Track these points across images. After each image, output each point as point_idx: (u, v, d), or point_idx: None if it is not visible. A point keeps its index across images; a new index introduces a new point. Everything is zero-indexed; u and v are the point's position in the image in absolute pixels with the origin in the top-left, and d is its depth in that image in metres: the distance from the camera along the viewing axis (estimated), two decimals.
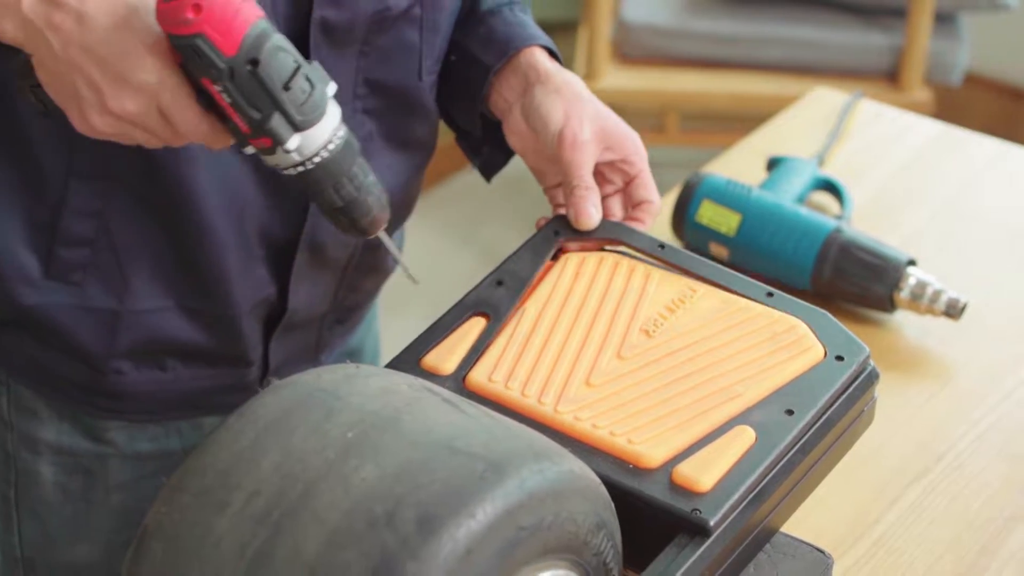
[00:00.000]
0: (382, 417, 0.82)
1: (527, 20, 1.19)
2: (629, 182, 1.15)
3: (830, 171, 1.58)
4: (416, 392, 0.86)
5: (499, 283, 1.07)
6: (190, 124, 0.92)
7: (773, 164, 1.54)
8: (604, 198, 1.14)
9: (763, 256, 1.40)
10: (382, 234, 1.00)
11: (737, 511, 0.90)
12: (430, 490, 0.77)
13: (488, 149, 1.23)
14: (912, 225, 1.53)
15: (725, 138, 2.48)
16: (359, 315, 1.28)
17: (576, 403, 0.96)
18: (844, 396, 0.98)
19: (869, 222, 1.50)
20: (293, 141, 0.92)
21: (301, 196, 1.09)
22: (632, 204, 1.15)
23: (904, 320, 1.39)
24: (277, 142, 0.91)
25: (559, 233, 1.11)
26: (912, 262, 1.37)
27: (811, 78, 2.59)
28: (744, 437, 0.93)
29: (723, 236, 1.42)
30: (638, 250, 1.11)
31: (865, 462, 1.21)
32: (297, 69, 0.90)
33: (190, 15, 0.86)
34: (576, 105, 1.12)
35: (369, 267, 1.21)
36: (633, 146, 1.14)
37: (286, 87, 0.90)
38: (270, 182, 1.10)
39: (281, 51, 0.89)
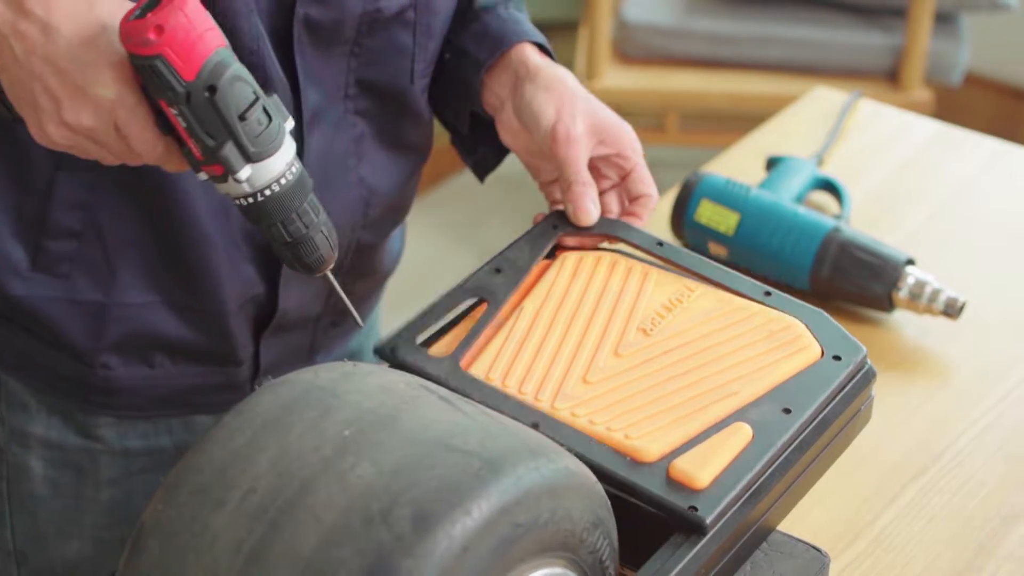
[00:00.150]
0: (379, 415, 0.82)
1: (521, 17, 1.19)
2: (625, 176, 1.14)
3: (829, 171, 1.58)
4: (413, 390, 0.86)
5: (497, 270, 1.07)
6: (146, 144, 0.92)
7: (772, 163, 1.54)
8: (601, 193, 1.14)
9: (762, 255, 1.40)
10: (328, 274, 1.00)
11: (734, 509, 0.90)
12: (426, 487, 0.77)
13: (482, 148, 1.23)
14: (911, 225, 1.53)
15: (725, 138, 2.48)
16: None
17: (573, 400, 0.96)
18: (841, 395, 0.98)
19: (868, 222, 1.50)
20: (244, 172, 0.92)
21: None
22: (629, 198, 1.15)
23: (903, 319, 1.39)
24: (229, 171, 0.92)
25: (558, 227, 1.11)
26: (911, 261, 1.37)
27: (811, 78, 2.59)
28: (741, 434, 0.93)
29: (722, 235, 1.42)
30: (636, 247, 1.11)
31: (863, 461, 1.21)
32: (255, 101, 0.91)
33: (152, 36, 0.87)
34: (567, 100, 1.12)
35: (361, 271, 1.21)
36: (628, 139, 1.13)
37: (242, 117, 0.90)
38: None
39: (240, 81, 0.90)
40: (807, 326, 1.02)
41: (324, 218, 0.97)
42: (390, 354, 1.00)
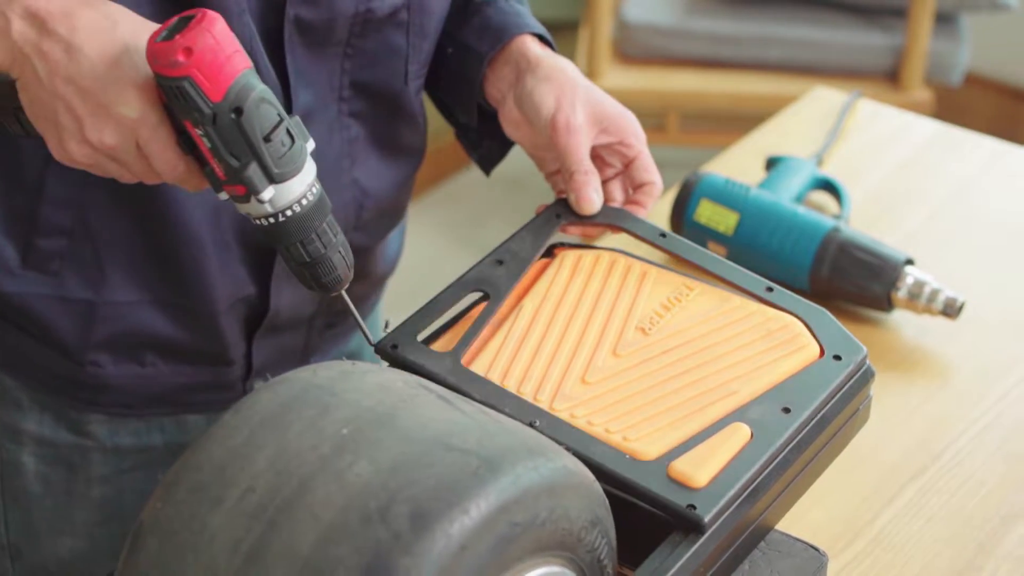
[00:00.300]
0: (377, 414, 0.82)
1: (522, 9, 1.19)
2: (628, 164, 1.14)
3: (829, 170, 1.58)
4: (412, 389, 0.86)
5: (499, 262, 1.07)
6: (167, 163, 0.93)
7: (772, 163, 1.54)
8: (604, 181, 1.14)
9: (761, 255, 1.40)
10: (344, 294, 1.00)
11: (732, 508, 0.90)
12: (424, 486, 0.77)
13: (487, 142, 1.23)
14: (910, 225, 1.53)
15: (725, 138, 2.48)
16: (352, 320, 1.28)
17: (572, 400, 0.96)
18: (840, 394, 0.98)
19: (867, 221, 1.50)
20: (267, 192, 0.92)
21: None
22: (633, 186, 1.14)
23: (902, 319, 1.39)
24: (252, 191, 0.92)
25: (561, 216, 1.11)
26: (910, 261, 1.37)
27: (811, 78, 2.59)
28: (740, 434, 0.93)
29: (721, 235, 1.42)
30: (639, 237, 1.11)
31: (863, 460, 1.21)
32: (279, 122, 0.91)
33: (181, 58, 0.87)
34: (568, 90, 1.12)
35: (356, 274, 1.21)
36: (630, 127, 1.13)
37: (267, 138, 0.91)
38: None
39: (265, 103, 0.90)
40: (808, 324, 1.02)
41: (341, 238, 0.98)
42: (391, 350, 1.00)
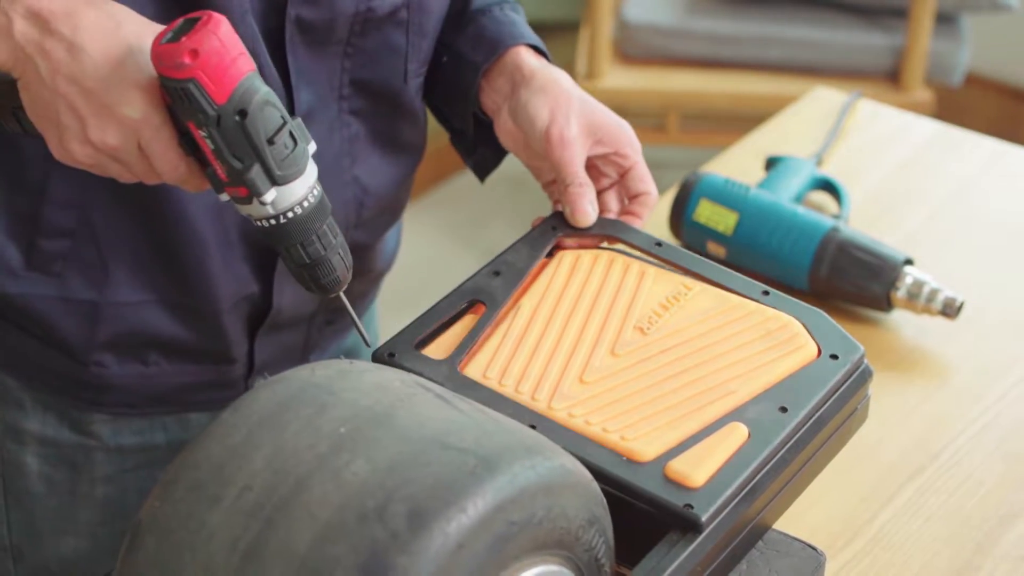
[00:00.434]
0: (375, 412, 0.82)
1: (517, 19, 1.19)
2: (624, 174, 1.14)
3: (828, 170, 1.58)
4: (409, 388, 0.86)
5: (496, 273, 1.07)
6: (169, 164, 0.93)
7: (771, 163, 1.54)
8: (600, 192, 1.14)
9: (760, 255, 1.40)
10: (342, 295, 1.01)
11: (729, 507, 0.90)
12: (421, 485, 0.77)
13: (482, 149, 1.23)
14: (910, 225, 1.53)
15: (725, 138, 2.48)
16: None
17: (570, 400, 0.96)
18: (837, 394, 0.98)
19: (867, 221, 1.50)
20: (270, 194, 0.93)
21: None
22: (629, 196, 1.15)
23: (901, 319, 1.39)
24: (254, 193, 0.92)
25: (556, 229, 1.12)
26: (909, 261, 1.37)
27: (811, 78, 2.59)
28: (737, 434, 0.93)
29: (720, 235, 1.42)
30: (635, 247, 1.11)
31: (861, 460, 1.21)
32: (283, 125, 0.92)
33: (187, 60, 0.87)
34: (562, 102, 1.12)
35: (356, 271, 1.22)
36: (625, 137, 1.13)
37: (270, 141, 0.91)
38: None
39: (269, 105, 0.91)
40: (804, 325, 1.02)
41: (341, 240, 0.98)
42: (388, 359, 1.00)
